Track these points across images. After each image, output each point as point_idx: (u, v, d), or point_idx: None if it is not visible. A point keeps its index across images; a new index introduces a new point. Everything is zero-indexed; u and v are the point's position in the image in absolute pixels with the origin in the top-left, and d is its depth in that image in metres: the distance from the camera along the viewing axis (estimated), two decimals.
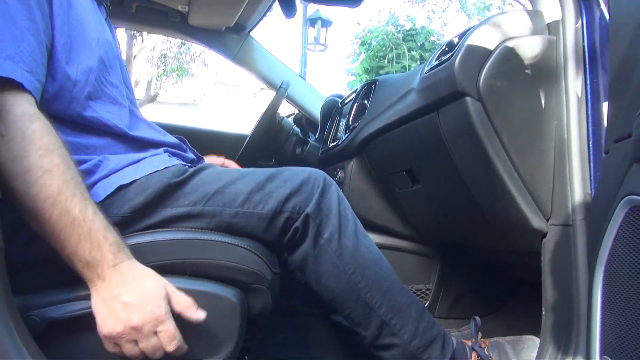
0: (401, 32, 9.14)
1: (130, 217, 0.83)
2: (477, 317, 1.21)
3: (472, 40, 0.89)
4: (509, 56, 0.89)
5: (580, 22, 0.89)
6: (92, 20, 0.86)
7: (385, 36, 9.06)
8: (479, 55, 0.88)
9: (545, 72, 0.90)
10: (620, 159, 0.57)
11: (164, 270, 0.83)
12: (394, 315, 0.95)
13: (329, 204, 0.92)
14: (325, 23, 7.92)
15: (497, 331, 1.44)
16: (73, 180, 0.69)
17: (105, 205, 0.80)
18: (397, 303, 0.95)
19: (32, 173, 0.66)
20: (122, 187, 0.82)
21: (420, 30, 9.24)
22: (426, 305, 1.48)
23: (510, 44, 0.89)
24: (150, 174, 0.85)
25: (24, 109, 0.67)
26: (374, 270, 0.95)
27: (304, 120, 2.06)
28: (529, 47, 0.89)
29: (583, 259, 0.83)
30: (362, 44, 9.53)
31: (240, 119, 12.75)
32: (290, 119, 1.99)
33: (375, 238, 1.49)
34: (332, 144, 1.61)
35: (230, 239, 0.89)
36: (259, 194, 0.89)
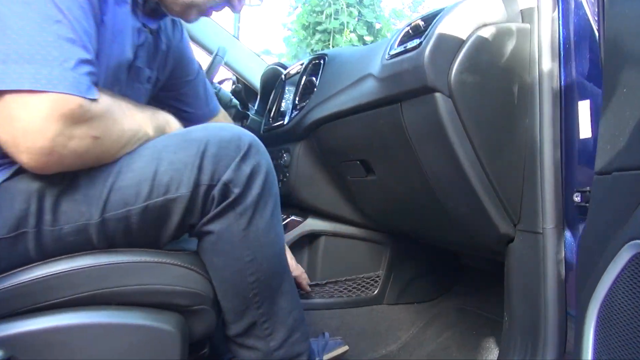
0: None
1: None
2: (326, 333, 1.18)
3: (443, 27, 0.79)
4: (482, 47, 0.79)
5: (556, 11, 0.81)
6: None
7: None
8: (450, 46, 0.78)
9: (518, 64, 0.81)
10: (624, 193, 0.50)
11: (81, 302, 0.70)
12: (269, 319, 0.84)
13: (253, 173, 0.77)
14: None
15: (448, 314, 1.44)
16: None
17: None
18: (278, 307, 0.84)
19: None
20: None
21: None
22: (375, 292, 1.44)
23: (483, 33, 0.79)
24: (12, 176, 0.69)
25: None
26: (271, 264, 0.82)
27: (243, 91, 1.90)
28: (503, 36, 0.80)
29: (553, 269, 0.79)
30: None
31: None
32: (228, 90, 1.81)
33: (324, 225, 1.40)
34: (277, 123, 1.47)
35: (164, 258, 0.76)
36: (167, 174, 0.73)
